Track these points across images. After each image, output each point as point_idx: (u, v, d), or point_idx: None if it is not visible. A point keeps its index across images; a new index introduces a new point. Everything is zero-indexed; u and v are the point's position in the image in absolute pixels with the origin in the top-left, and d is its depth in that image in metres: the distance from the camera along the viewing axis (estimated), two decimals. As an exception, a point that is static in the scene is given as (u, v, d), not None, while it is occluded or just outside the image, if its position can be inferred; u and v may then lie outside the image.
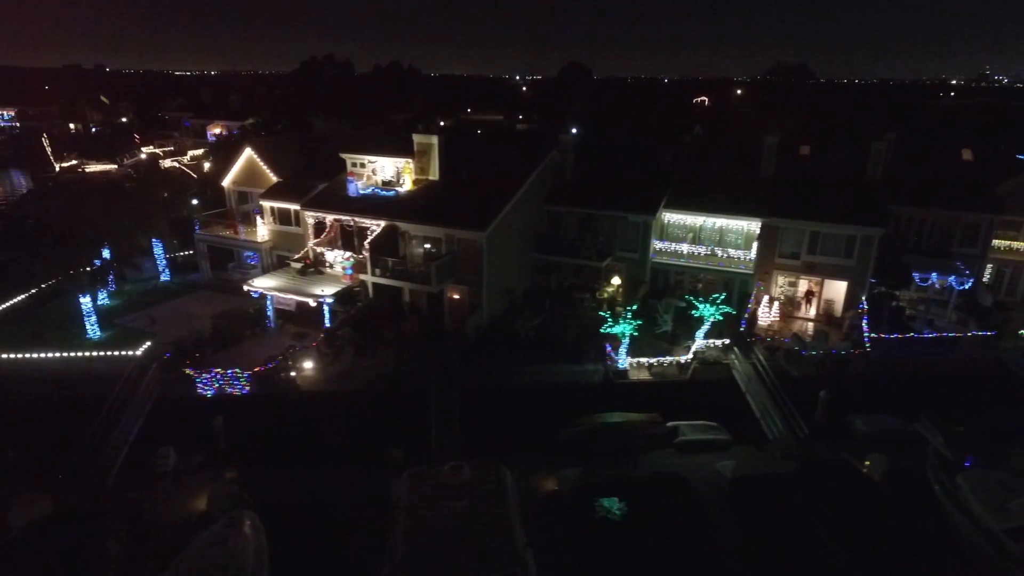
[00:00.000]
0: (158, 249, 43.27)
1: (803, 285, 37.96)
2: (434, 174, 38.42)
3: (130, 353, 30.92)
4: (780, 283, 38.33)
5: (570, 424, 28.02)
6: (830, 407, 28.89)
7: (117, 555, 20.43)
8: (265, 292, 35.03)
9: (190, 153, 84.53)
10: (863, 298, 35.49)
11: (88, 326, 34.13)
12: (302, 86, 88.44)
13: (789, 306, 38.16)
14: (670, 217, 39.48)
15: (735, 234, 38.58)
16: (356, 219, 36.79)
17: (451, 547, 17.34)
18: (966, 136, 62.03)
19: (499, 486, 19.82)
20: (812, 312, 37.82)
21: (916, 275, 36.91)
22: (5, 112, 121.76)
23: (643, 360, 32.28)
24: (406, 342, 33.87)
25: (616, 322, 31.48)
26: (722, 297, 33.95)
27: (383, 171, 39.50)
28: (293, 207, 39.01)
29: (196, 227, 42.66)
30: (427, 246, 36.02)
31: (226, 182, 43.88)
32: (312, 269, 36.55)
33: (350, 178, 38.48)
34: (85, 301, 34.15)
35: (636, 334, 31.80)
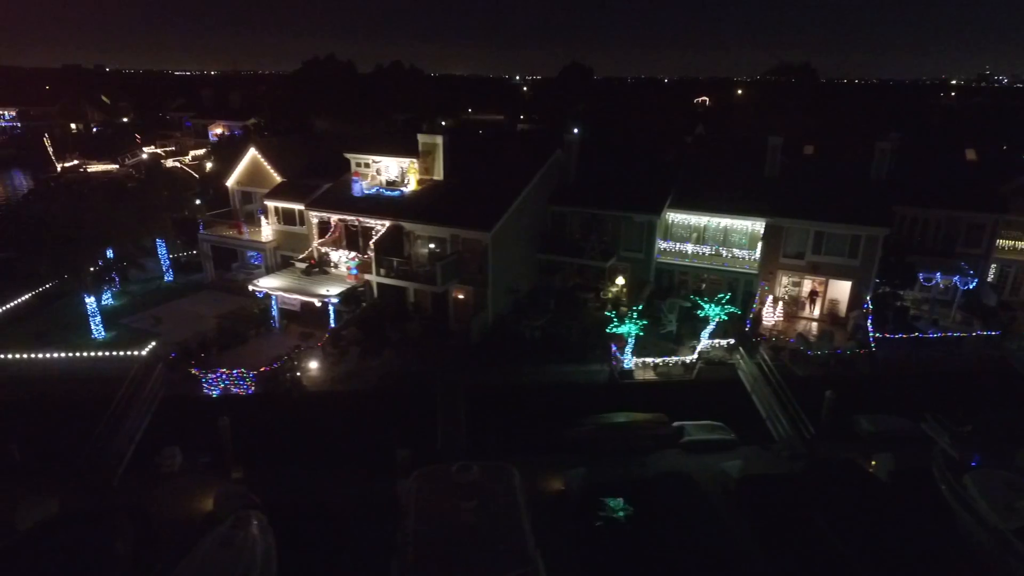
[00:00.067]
0: (162, 249, 43.27)
1: (807, 285, 37.98)
2: (439, 174, 38.42)
3: (135, 353, 30.89)
4: (784, 283, 38.34)
5: (576, 424, 28.07)
6: (836, 407, 28.92)
7: (124, 556, 20.38)
8: (270, 292, 35.03)
9: (192, 153, 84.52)
10: (867, 298, 35.50)
11: (93, 326, 34.14)
12: (303, 86, 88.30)
13: (793, 306, 38.18)
14: (674, 217, 39.48)
15: (739, 234, 38.60)
16: (361, 219, 36.78)
17: (462, 547, 17.32)
18: (969, 136, 62.00)
19: (508, 486, 19.78)
20: (816, 312, 37.82)
21: (920, 275, 36.93)
22: (6, 112, 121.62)
23: (648, 360, 32.27)
24: (411, 342, 33.85)
25: (622, 322, 31.47)
26: (727, 297, 33.94)
27: (387, 171, 39.49)
28: (297, 207, 39.00)
29: (200, 227, 42.66)
30: (432, 246, 36.01)
31: (230, 182, 43.89)
32: (317, 269, 36.55)
33: (355, 178, 38.49)
34: (90, 301, 34.15)
35: (642, 334, 31.79)
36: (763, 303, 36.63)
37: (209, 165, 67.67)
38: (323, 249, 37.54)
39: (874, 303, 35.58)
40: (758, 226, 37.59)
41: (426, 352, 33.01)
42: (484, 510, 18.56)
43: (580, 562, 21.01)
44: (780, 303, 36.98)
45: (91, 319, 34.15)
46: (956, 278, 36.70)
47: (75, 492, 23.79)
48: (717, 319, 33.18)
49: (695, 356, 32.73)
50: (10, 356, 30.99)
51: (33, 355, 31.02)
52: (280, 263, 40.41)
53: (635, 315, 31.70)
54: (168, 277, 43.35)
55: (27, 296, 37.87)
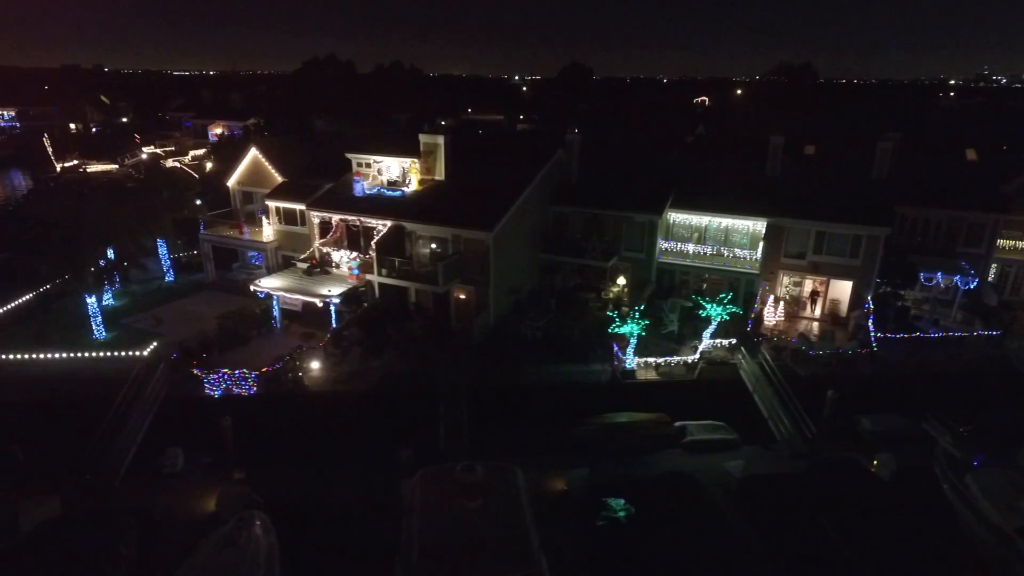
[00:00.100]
0: (163, 249, 43.23)
1: (808, 285, 38.01)
2: (440, 174, 38.41)
3: (137, 354, 30.87)
4: (785, 283, 38.38)
5: (578, 424, 28.09)
6: (837, 407, 28.96)
7: (128, 556, 20.40)
8: (272, 292, 35.01)
9: (191, 153, 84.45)
10: (869, 298, 35.54)
11: (94, 326, 34.10)
12: (303, 86, 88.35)
13: (794, 306, 38.22)
14: (676, 217, 39.50)
15: (740, 234, 38.61)
16: (362, 219, 36.78)
17: (467, 547, 17.33)
18: (969, 136, 62.10)
19: (512, 486, 19.81)
20: (817, 312, 37.86)
21: (921, 275, 36.98)
22: (5, 112, 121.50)
23: (650, 360, 32.29)
24: (412, 342, 33.85)
25: (624, 322, 31.49)
26: (729, 297, 33.97)
27: (389, 171, 39.49)
28: (299, 207, 38.99)
29: (201, 227, 42.65)
30: (433, 246, 36.01)
31: (231, 182, 43.86)
32: (318, 269, 36.54)
33: (356, 178, 38.48)
34: (91, 302, 34.10)
35: (644, 334, 31.81)
36: (764, 303, 36.66)
37: (209, 165, 67.64)
38: (325, 249, 37.53)
39: (875, 303, 35.62)
40: (759, 226, 37.62)
41: (428, 352, 33.00)
42: (489, 510, 18.58)
43: (583, 562, 21.02)
44: (781, 303, 37.00)
45: (92, 319, 34.12)
46: (957, 278, 36.77)
47: (77, 493, 23.75)
48: (719, 319, 33.20)
49: (697, 356, 32.75)
50: (11, 356, 30.96)
51: (34, 355, 30.99)
52: (281, 263, 40.39)
53: (637, 315, 31.72)
54: (169, 277, 43.31)
55: (28, 296, 37.79)
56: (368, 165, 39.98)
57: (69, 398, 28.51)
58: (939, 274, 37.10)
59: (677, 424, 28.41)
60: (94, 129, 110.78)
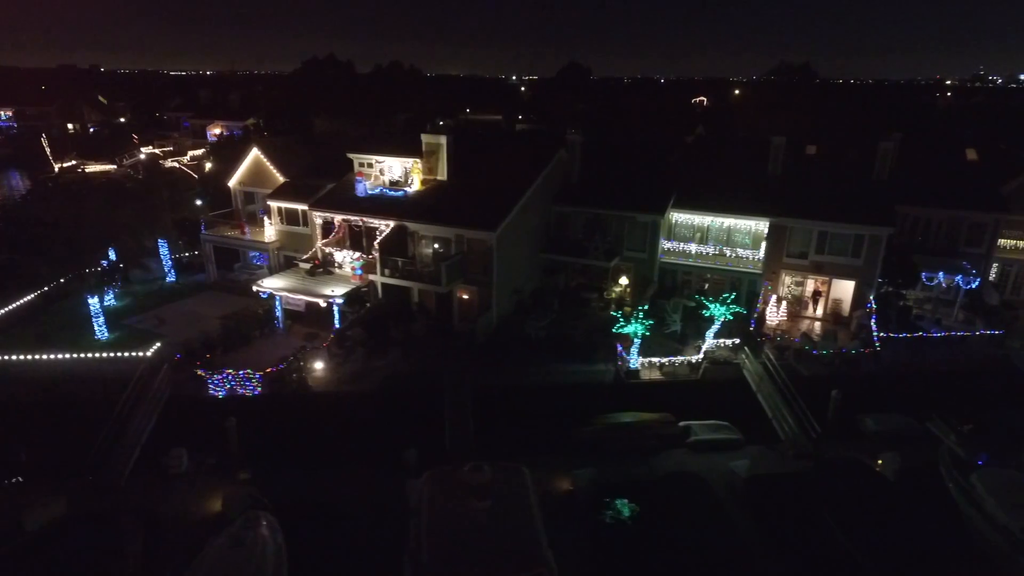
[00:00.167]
0: (164, 250, 43.14)
1: (810, 285, 38.08)
2: (442, 174, 38.38)
3: (140, 354, 30.80)
4: (787, 283, 38.44)
5: (583, 424, 28.10)
6: (841, 406, 29.02)
7: (134, 557, 20.37)
8: (274, 292, 34.95)
9: (190, 153, 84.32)
10: (871, 297, 35.62)
11: (96, 327, 33.99)
12: (302, 86, 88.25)
13: (796, 305, 38.28)
14: (678, 217, 39.53)
15: (743, 234, 38.65)
16: (365, 219, 36.74)
17: (476, 547, 17.33)
18: (968, 135, 62.23)
19: (520, 486, 19.83)
20: (819, 312, 37.93)
21: (923, 275, 37.07)
22: (3, 112, 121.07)
23: (654, 360, 32.31)
24: (415, 343, 33.82)
25: (628, 322, 31.51)
26: (732, 296, 34.01)
27: (391, 171, 39.44)
28: (301, 207, 38.93)
29: (202, 227, 42.57)
30: (436, 246, 35.99)
31: (232, 182, 43.78)
32: (321, 269, 36.50)
33: (358, 178, 38.43)
34: (93, 302, 33.99)
35: (648, 334, 31.83)
36: (767, 303, 36.72)
37: (208, 165, 67.58)
38: (327, 249, 37.48)
39: (877, 303, 35.69)
40: (762, 226, 37.68)
41: (431, 352, 32.98)
42: (497, 510, 18.58)
43: (590, 562, 21.03)
44: (783, 303, 37.06)
45: (94, 320, 34.01)
46: (958, 277, 36.87)
47: (82, 493, 23.74)
48: (722, 319, 33.24)
49: (701, 356, 32.78)
50: (14, 357, 30.86)
51: (37, 356, 30.89)
52: (283, 263, 40.35)
53: (641, 315, 31.74)
54: (170, 277, 43.20)
55: (30, 296, 37.64)
56: (370, 165, 39.94)
57: (72, 399, 28.43)
58: (941, 274, 37.20)
59: (681, 424, 28.44)
60: (92, 129, 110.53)
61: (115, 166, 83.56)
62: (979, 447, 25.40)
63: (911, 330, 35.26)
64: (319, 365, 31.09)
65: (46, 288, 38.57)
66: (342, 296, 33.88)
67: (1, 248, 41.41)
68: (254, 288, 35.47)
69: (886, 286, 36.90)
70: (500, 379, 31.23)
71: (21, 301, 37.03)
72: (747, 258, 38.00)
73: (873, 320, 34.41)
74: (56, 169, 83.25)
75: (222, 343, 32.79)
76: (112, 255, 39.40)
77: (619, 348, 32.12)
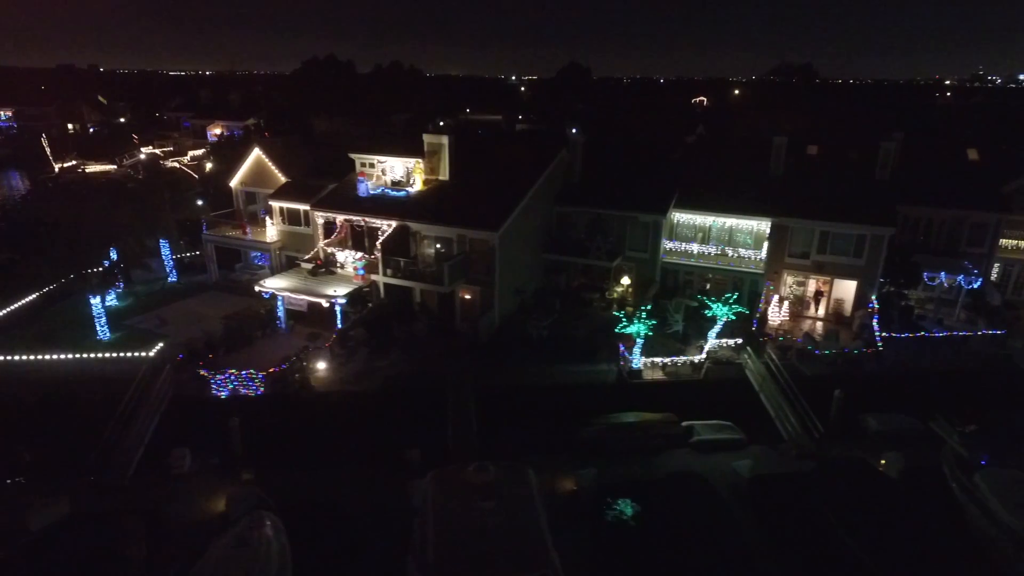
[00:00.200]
0: (165, 250, 43.11)
1: (812, 285, 38.09)
2: (444, 174, 38.37)
3: (142, 354, 30.78)
4: (789, 283, 38.45)
5: (586, 424, 28.10)
6: (844, 406, 29.03)
7: (138, 558, 20.35)
8: (276, 293, 34.94)
9: (190, 153, 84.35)
10: (873, 297, 35.63)
11: (98, 327, 33.96)
12: (303, 86, 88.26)
13: (798, 305, 38.28)
14: (680, 217, 39.55)
15: (744, 234, 38.68)
16: (366, 219, 36.73)
17: (482, 548, 17.32)
18: (969, 135, 62.27)
19: (525, 487, 19.83)
20: (821, 311, 37.95)
21: (925, 274, 37.10)
22: (2, 112, 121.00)
23: (657, 360, 32.32)
24: (418, 343, 33.83)
25: (631, 322, 31.51)
26: (734, 296, 34.03)
27: (393, 171, 39.43)
28: (303, 207, 38.92)
29: (203, 228, 42.55)
30: (438, 246, 35.98)
31: (234, 182, 43.76)
32: (323, 270, 36.48)
33: (360, 178, 38.41)
34: (95, 302, 33.96)
35: (650, 334, 31.84)
36: (769, 303, 36.74)
37: (209, 165, 67.58)
38: (329, 249, 37.46)
39: (879, 302, 35.71)
40: (764, 226, 37.70)
41: (433, 352, 32.98)
42: (503, 511, 18.57)
43: (593, 562, 21.01)
44: (785, 303, 37.07)
45: (96, 320, 33.97)
46: (960, 277, 36.88)
47: (85, 494, 23.70)
48: (725, 319, 33.25)
49: (703, 356, 32.79)
50: (17, 357, 30.85)
51: (40, 356, 30.88)
52: (285, 264, 40.34)
53: (644, 315, 31.74)
54: (172, 278, 43.17)
55: (32, 296, 37.63)
56: (372, 165, 39.93)
57: (75, 399, 28.40)
58: (942, 274, 37.22)
59: (684, 424, 28.44)
60: (91, 129, 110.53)
61: (115, 166, 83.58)
62: (982, 447, 25.41)
63: (913, 330, 35.27)
64: (321, 365, 31.07)
65: (48, 288, 38.58)
66: (344, 296, 33.87)
67: (2, 248, 41.42)
68: (256, 288, 35.46)
69: (888, 286, 36.92)
70: (502, 379, 31.22)
71: (23, 301, 37.03)
72: (749, 258, 38.02)
73: (875, 320, 34.43)
74: (56, 169, 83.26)
75: (224, 343, 32.78)
76: (113, 255, 39.36)
77: (621, 348, 32.13)
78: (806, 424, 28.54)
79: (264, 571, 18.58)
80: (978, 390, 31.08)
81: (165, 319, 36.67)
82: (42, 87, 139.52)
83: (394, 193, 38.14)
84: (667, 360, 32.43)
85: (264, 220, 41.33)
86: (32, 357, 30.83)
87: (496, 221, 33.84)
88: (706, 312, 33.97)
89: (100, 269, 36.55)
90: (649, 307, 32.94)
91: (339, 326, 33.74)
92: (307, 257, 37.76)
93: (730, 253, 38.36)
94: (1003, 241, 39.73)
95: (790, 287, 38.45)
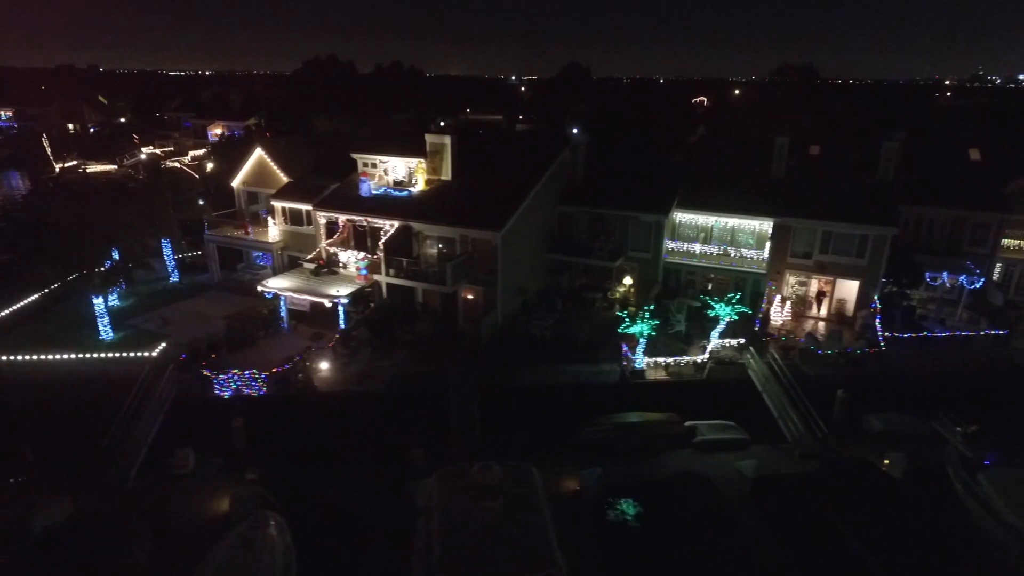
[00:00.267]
0: (167, 250, 43.11)
1: (814, 285, 38.09)
2: (447, 174, 38.36)
3: (145, 354, 30.77)
4: (791, 283, 38.45)
5: (589, 424, 28.09)
6: (847, 406, 29.04)
7: (143, 558, 20.33)
8: (279, 293, 34.92)
9: (191, 153, 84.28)
10: (875, 297, 35.63)
11: (101, 327, 33.96)
12: (304, 86, 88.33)
13: (800, 305, 38.29)
14: (682, 217, 39.56)
15: (747, 234, 38.71)
16: (369, 219, 36.72)
17: (487, 547, 17.31)
18: (970, 136, 62.26)
19: (530, 486, 19.82)
20: (823, 312, 37.95)
21: (927, 274, 37.11)
22: (3, 112, 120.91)
23: (660, 360, 32.32)
24: (420, 343, 33.83)
25: (634, 322, 31.51)
26: (737, 296, 34.03)
27: (395, 171, 39.43)
28: (305, 207, 38.91)
29: (205, 228, 42.54)
30: (441, 246, 35.98)
31: (235, 182, 43.75)
32: (326, 270, 36.46)
33: (362, 178, 38.40)
34: (98, 302, 33.95)
35: (653, 334, 31.85)
36: (771, 303, 36.74)
37: (210, 165, 67.55)
38: (332, 249, 37.45)
39: (881, 302, 35.71)
40: (766, 226, 37.71)
41: (436, 352, 32.98)
42: (508, 511, 18.55)
43: (596, 562, 21.01)
44: (788, 303, 37.08)
45: (99, 320, 33.98)
46: (962, 277, 36.90)
47: (89, 494, 23.66)
48: (727, 319, 33.25)
49: (706, 356, 32.78)
50: (19, 358, 30.82)
51: (42, 357, 30.86)
52: (287, 264, 40.33)
53: (646, 315, 31.74)
54: (174, 278, 43.18)
55: (34, 297, 37.60)
56: (374, 165, 39.92)
57: (78, 399, 28.42)
58: (945, 274, 37.25)
59: (687, 424, 28.44)
60: (92, 129, 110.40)
61: (116, 166, 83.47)
62: (985, 447, 25.42)
63: (915, 330, 35.30)
64: (324, 365, 31.07)
65: (50, 289, 38.54)
66: (347, 296, 33.86)
67: (3, 248, 41.34)
68: (259, 288, 35.45)
69: (890, 286, 36.93)
70: (505, 379, 31.22)
71: (25, 302, 37.00)
72: (751, 258, 38.03)
73: (878, 320, 34.45)
74: (57, 169, 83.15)
75: (227, 343, 32.79)
76: (115, 255, 39.33)
77: (624, 348, 32.13)
78: (809, 424, 28.56)
79: (268, 571, 18.57)
80: (981, 390, 31.08)
81: (167, 319, 36.67)
82: (42, 87, 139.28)
83: (396, 193, 38.14)
84: (670, 360, 32.43)
85: (266, 220, 41.33)
86: (35, 357, 30.81)
87: (499, 221, 33.83)
88: (709, 312, 33.96)
89: (102, 269, 36.49)
90: (652, 307, 32.94)
91: (342, 326, 33.72)
92: (309, 257, 37.76)
93: (732, 253, 38.38)
94: (1005, 241, 39.70)
95: (792, 287, 38.44)
